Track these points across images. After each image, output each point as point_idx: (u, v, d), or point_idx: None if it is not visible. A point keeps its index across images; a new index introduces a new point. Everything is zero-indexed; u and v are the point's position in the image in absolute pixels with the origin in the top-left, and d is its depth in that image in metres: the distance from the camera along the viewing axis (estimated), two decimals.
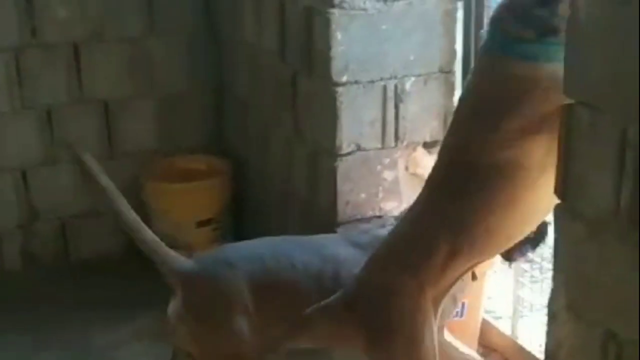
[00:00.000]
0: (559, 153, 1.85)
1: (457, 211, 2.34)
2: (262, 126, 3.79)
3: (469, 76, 2.48)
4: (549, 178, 2.03)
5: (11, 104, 3.92)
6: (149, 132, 4.17)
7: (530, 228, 2.40)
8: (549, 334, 1.98)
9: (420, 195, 2.49)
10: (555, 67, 1.95)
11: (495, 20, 2.34)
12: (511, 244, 2.42)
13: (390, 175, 3.26)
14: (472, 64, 3.17)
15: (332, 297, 2.47)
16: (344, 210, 3.24)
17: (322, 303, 2.47)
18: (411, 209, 2.51)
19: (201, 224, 3.95)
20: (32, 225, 4.12)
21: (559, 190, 1.85)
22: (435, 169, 2.49)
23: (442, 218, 2.37)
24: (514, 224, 2.34)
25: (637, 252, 1.66)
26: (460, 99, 2.50)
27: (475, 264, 2.44)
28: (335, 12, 3.00)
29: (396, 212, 3.30)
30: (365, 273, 2.48)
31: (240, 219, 4.13)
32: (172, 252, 2.75)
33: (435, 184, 2.45)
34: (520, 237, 2.41)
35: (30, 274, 4.10)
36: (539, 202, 2.26)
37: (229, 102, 4.15)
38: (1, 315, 3.68)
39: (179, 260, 2.73)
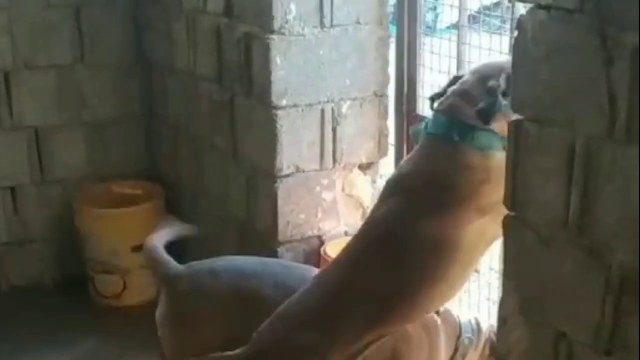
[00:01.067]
0: (507, 165, 1.96)
1: (385, 284, 2.39)
2: (197, 150, 3.84)
3: (412, 156, 2.51)
4: (478, 256, 2.22)
5: None
6: (80, 158, 4.18)
7: (453, 297, 2.54)
8: (499, 339, 2.08)
9: (340, 261, 2.52)
10: (503, 156, 2.06)
11: (450, 108, 2.39)
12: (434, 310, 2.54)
13: (329, 196, 3.36)
14: (405, 89, 3.32)
15: (238, 350, 2.49)
16: (284, 231, 3.32)
17: (228, 353, 2.50)
18: (330, 272, 2.53)
19: (136, 248, 3.94)
20: None
21: (509, 201, 1.97)
22: (360, 240, 2.51)
23: (367, 289, 2.41)
24: (441, 295, 2.46)
25: (585, 257, 1.79)
26: (398, 178, 2.51)
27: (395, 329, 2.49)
28: (275, 38, 3.10)
29: (334, 232, 3.40)
30: (271, 331, 2.48)
31: (174, 242, 4.15)
32: (166, 257, 2.84)
33: (361, 254, 2.47)
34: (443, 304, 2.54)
35: None
36: (465, 275, 2.42)
37: (161, 127, 4.19)
38: None
39: (170, 265, 2.81)
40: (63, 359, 3.66)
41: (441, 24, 5.25)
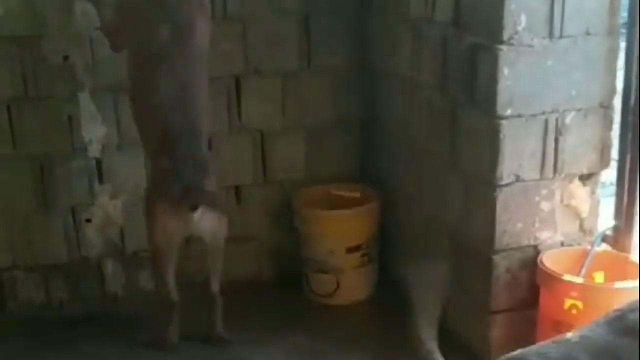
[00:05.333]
0: None
1: None
2: (414, 156, 3.92)
3: None
4: None
5: None
6: (299, 160, 4.33)
7: None
8: None
9: None
10: None
11: None
12: None
13: (547, 206, 3.37)
14: (633, 99, 3.28)
15: None
16: (500, 239, 3.36)
17: None
18: None
19: (351, 249, 4.09)
20: None
21: None
22: None
23: None
24: None
25: None
26: None
27: None
28: (504, 49, 3.13)
29: (550, 242, 3.41)
30: None
31: (384, 245, 4.26)
32: None
33: None
34: None
35: None
36: None
37: (379, 132, 4.29)
38: None
39: None
40: (275, 352, 3.79)
41: None
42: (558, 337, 2.37)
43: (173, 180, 3.44)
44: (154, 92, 3.46)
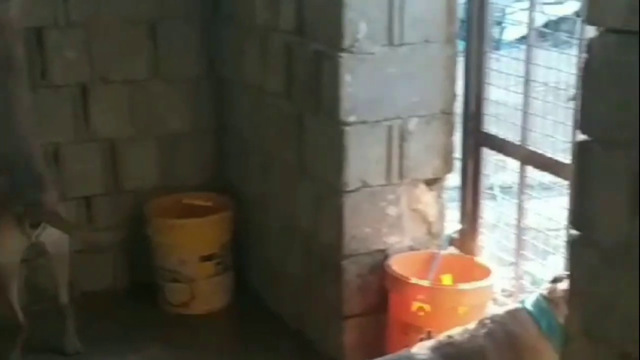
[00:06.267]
0: (573, 186, 1.99)
1: None
2: (266, 164, 3.92)
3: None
4: None
5: None
6: (151, 169, 4.28)
7: None
8: (563, 358, 2.11)
9: None
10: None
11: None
12: None
13: (394, 211, 3.41)
14: (472, 106, 3.36)
15: None
16: (349, 245, 3.39)
17: None
18: None
19: (204, 258, 4.06)
20: None
21: (574, 221, 2.00)
22: None
23: None
24: None
25: None
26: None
27: None
28: (345, 56, 3.16)
29: (399, 246, 3.45)
30: None
31: (239, 253, 4.25)
32: None
33: None
34: None
35: None
36: None
37: (231, 141, 4.28)
38: None
39: None
40: None
41: (507, 37, 5.32)
42: (390, 356, 2.51)
43: (11, 198, 3.39)
44: None
